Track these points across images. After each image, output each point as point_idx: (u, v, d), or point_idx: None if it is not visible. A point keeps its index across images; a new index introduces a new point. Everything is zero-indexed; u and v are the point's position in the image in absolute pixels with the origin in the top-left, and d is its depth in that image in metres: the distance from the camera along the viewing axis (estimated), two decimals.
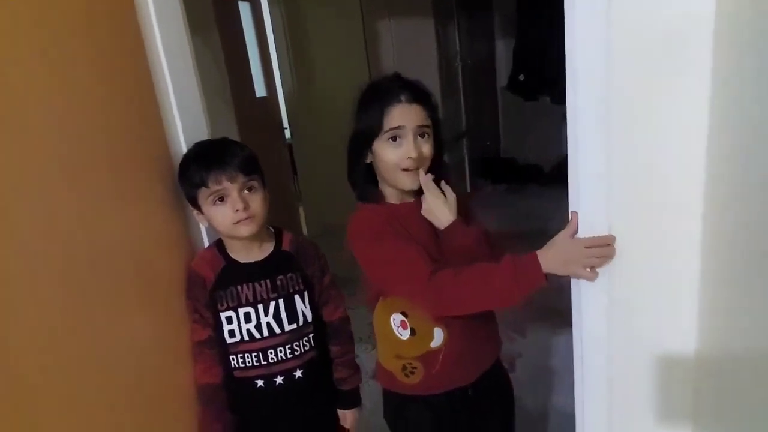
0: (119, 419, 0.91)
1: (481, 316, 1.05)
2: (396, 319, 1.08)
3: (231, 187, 1.03)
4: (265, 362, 1.12)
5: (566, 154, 0.85)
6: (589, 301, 0.90)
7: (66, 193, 0.85)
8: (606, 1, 0.72)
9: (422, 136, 1.02)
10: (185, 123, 1.15)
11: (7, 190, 0.73)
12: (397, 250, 1.00)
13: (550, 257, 0.88)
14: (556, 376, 2.01)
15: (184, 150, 1.13)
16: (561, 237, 0.88)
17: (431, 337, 1.05)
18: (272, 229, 1.18)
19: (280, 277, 1.12)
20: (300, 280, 1.14)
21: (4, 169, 0.73)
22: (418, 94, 1.03)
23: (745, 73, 0.65)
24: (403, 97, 1.01)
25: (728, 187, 0.72)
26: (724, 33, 0.68)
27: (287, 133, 3.83)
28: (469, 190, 4.49)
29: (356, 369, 1.25)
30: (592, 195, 0.82)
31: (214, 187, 1.03)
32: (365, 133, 1.03)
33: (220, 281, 1.10)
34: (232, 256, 1.12)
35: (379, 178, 1.08)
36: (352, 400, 1.24)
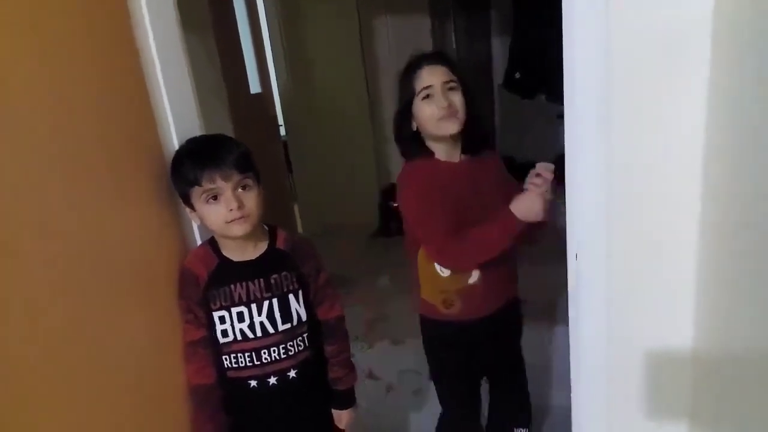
0: (118, 419, 0.91)
1: (505, 259, 1.26)
2: None
3: (225, 186, 1.02)
4: (259, 362, 1.10)
5: (563, 153, 0.85)
6: (585, 300, 0.89)
7: (61, 192, 0.84)
8: (604, 1, 0.72)
9: (450, 89, 1.19)
10: (177, 121, 1.14)
11: (3, 190, 0.72)
12: (424, 212, 1.21)
13: (516, 208, 1.17)
14: (555, 373, 2.01)
15: (177, 148, 1.12)
16: (522, 195, 1.18)
17: (470, 275, 1.27)
18: (266, 228, 1.16)
19: (274, 275, 1.11)
20: (294, 279, 1.13)
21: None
22: (440, 57, 1.23)
23: (744, 73, 0.64)
24: (424, 63, 1.20)
25: (726, 187, 0.71)
26: (722, 33, 0.68)
27: (282, 131, 3.82)
28: None
29: (351, 368, 1.24)
30: (589, 195, 0.82)
31: (207, 186, 1.01)
32: (405, 100, 1.23)
33: (213, 280, 1.08)
34: (226, 255, 1.11)
35: (426, 140, 1.25)
36: (347, 400, 1.24)
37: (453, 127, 1.19)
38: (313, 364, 1.17)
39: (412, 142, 1.26)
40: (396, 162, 4.12)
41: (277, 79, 3.78)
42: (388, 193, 3.86)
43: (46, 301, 0.78)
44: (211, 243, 1.13)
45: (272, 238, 1.15)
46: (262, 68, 3.46)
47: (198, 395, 1.10)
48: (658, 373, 0.89)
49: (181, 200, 1.10)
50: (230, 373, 1.12)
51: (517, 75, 4.55)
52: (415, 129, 1.24)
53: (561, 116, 0.85)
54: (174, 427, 1.09)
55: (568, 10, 0.76)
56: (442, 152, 1.25)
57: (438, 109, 1.17)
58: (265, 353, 1.10)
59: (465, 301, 1.29)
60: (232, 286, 1.09)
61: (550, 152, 4.56)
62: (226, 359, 1.11)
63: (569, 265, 0.91)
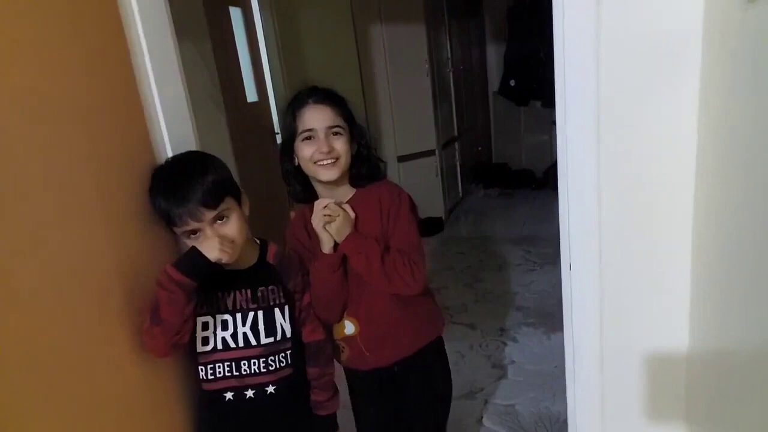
0: (105, 426, 0.90)
1: (391, 308, 1.18)
2: None
3: (201, 225, 0.99)
4: (237, 373, 1.07)
5: (557, 160, 0.86)
6: (579, 309, 0.90)
7: (49, 204, 0.83)
8: (595, 16, 0.72)
9: (334, 134, 1.13)
10: (171, 130, 1.13)
11: None
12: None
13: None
14: (550, 380, 2.00)
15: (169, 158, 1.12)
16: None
17: (343, 326, 1.22)
18: (258, 241, 1.15)
19: (261, 288, 1.10)
20: (281, 294, 1.11)
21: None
22: (326, 97, 1.15)
23: (735, 84, 0.65)
24: (310, 100, 1.13)
25: (718, 193, 0.72)
26: (712, 45, 0.69)
27: (279, 139, 3.82)
28: (461, 196, 4.49)
29: (335, 392, 1.21)
30: (582, 204, 0.82)
31: (183, 228, 0.99)
32: (287, 138, 1.18)
33: (202, 285, 1.05)
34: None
35: (311, 180, 1.19)
36: (329, 425, 1.20)
37: (331, 174, 1.13)
38: (294, 382, 1.14)
39: (296, 182, 1.21)
40: (392, 169, 4.09)
41: (273, 88, 3.79)
42: None
43: (31, 314, 0.78)
44: None
45: (263, 251, 1.13)
46: (258, 77, 3.47)
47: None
48: (653, 377, 0.89)
49: None
50: (206, 386, 1.08)
51: (512, 82, 4.58)
52: (296, 164, 1.18)
53: (555, 122, 0.85)
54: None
55: (558, 25, 0.77)
56: (323, 191, 1.19)
57: (317, 153, 1.11)
58: (245, 364, 1.08)
59: (350, 350, 1.24)
60: (220, 294, 1.07)
61: (545, 158, 4.58)
62: (202, 370, 1.07)
63: (563, 275, 0.91)
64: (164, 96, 1.12)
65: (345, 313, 1.21)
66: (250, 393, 1.08)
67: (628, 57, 0.74)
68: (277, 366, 1.10)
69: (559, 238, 0.90)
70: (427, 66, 3.78)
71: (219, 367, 1.08)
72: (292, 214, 1.28)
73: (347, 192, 1.20)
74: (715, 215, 0.73)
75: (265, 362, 1.09)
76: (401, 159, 3.79)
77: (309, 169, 1.15)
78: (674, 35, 0.71)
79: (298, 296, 1.14)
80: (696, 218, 0.77)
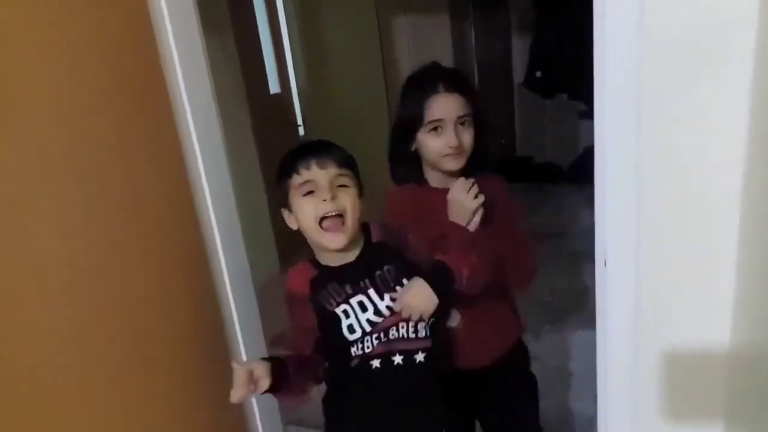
0: (131, 418, 0.90)
1: (487, 304, 1.11)
2: None
3: (321, 175, 0.94)
4: (386, 339, 0.99)
5: (583, 153, 0.82)
6: (613, 308, 0.87)
7: (76, 192, 0.84)
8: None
9: (462, 124, 1.06)
10: (197, 121, 1.13)
11: (17, 189, 0.72)
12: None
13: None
14: (574, 378, 1.96)
15: (197, 148, 1.11)
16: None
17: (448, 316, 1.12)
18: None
19: (378, 272, 1.01)
20: (402, 269, 1.02)
21: (13, 168, 0.71)
22: (456, 83, 1.06)
23: None
24: (441, 87, 1.05)
25: (767, 186, 0.68)
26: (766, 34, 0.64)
27: (301, 131, 3.82)
28: None
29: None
30: (619, 198, 0.79)
31: (303, 178, 0.94)
32: (408, 124, 1.09)
33: (317, 284, 1.01)
34: (324, 264, 1.02)
35: (423, 163, 1.13)
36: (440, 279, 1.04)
37: (456, 165, 1.08)
38: (435, 355, 1.05)
39: (405, 164, 1.14)
40: None
41: (296, 79, 3.79)
42: None
43: (57, 300, 0.78)
44: (309, 258, 1.05)
45: (366, 234, 1.05)
46: (281, 68, 3.47)
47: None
48: (691, 378, 0.86)
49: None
50: (354, 362, 1.00)
51: (538, 74, 4.49)
52: (413, 150, 1.11)
53: (581, 115, 0.82)
54: (186, 427, 1.08)
55: (598, 12, 0.73)
56: (436, 180, 1.14)
57: (446, 147, 1.05)
58: (393, 330, 0.99)
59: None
60: (339, 286, 1.00)
61: (570, 151, 4.48)
62: (354, 351, 1.00)
63: (597, 273, 0.88)
64: (191, 88, 1.12)
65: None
66: (398, 359, 1.00)
67: (672, 44, 0.70)
68: (426, 334, 1.02)
69: (586, 234, 0.87)
70: (451, 57, 3.73)
71: (368, 342, 0.99)
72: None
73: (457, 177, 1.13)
74: (764, 211, 0.69)
75: (414, 327, 1.01)
76: None
77: (432, 158, 1.09)
78: (725, 19, 0.67)
79: (424, 259, 1.03)
80: (743, 214, 0.73)
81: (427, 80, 1.07)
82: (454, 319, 1.13)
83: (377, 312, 0.99)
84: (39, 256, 0.76)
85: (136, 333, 0.97)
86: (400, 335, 1.00)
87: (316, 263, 1.03)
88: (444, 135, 1.05)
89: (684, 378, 0.86)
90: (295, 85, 3.75)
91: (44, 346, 0.76)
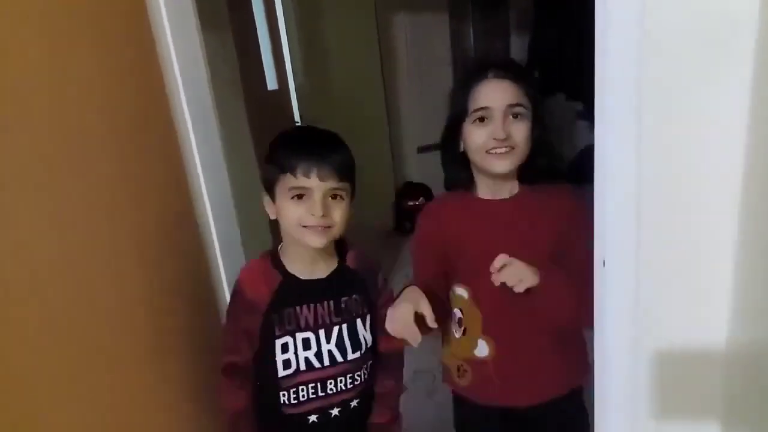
0: (121, 417, 0.90)
1: (540, 334, 0.97)
2: (456, 313, 1.03)
3: (317, 186, 0.90)
4: (323, 393, 0.98)
5: (582, 152, 0.82)
6: (612, 309, 0.86)
7: (72, 189, 0.83)
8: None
9: (515, 116, 0.90)
10: (194, 117, 1.13)
11: (12, 186, 0.71)
12: (415, 262, 1.05)
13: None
14: None
15: (194, 144, 1.11)
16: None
17: (475, 345, 1.00)
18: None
19: (344, 298, 0.99)
20: (365, 303, 1.01)
21: (9, 165, 0.71)
22: (508, 69, 0.92)
23: None
24: (490, 74, 0.92)
25: (765, 187, 0.68)
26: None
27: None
28: None
29: (398, 416, 1.08)
30: (618, 198, 0.79)
31: (299, 183, 0.90)
32: (453, 118, 0.96)
33: (276, 301, 0.95)
34: (291, 271, 0.98)
35: (473, 169, 0.98)
36: None
37: (504, 166, 0.91)
38: (370, 392, 1.05)
39: (457, 169, 0.99)
40: (412, 161, 4.08)
41: (293, 76, 3.77)
42: (404, 192, 3.84)
43: (50, 295, 0.77)
44: (272, 255, 0.99)
45: (341, 254, 1.02)
46: (279, 65, 3.46)
47: (233, 419, 0.99)
48: (689, 378, 0.85)
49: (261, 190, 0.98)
50: (287, 410, 0.98)
51: (536, 73, 4.49)
52: (462, 150, 0.97)
53: (580, 115, 0.81)
54: (183, 427, 1.07)
55: (600, 8, 0.73)
56: (485, 187, 0.98)
57: (490, 140, 0.90)
58: (331, 384, 0.98)
59: (476, 375, 1.03)
60: (299, 309, 0.96)
61: (569, 151, 4.51)
62: (284, 395, 0.97)
63: (596, 273, 0.87)
64: (187, 83, 1.12)
65: (480, 329, 0.99)
66: (335, 411, 0.99)
67: (673, 44, 0.70)
68: (362, 379, 1.01)
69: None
70: (449, 55, 3.73)
71: (303, 390, 0.98)
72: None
73: (512, 188, 0.99)
74: (764, 211, 0.69)
75: (352, 378, 1.00)
76: (422, 150, 3.75)
77: (477, 157, 0.93)
78: (726, 19, 0.67)
79: (379, 304, 1.02)
80: (742, 214, 0.73)
81: (475, 69, 0.94)
82: (481, 347, 1.02)
83: (318, 355, 0.97)
84: (31, 251, 0.75)
85: (134, 331, 0.96)
86: (338, 389, 0.99)
87: (279, 265, 0.97)
88: (489, 125, 0.90)
89: (682, 378, 0.86)
90: (292, 82, 3.74)
91: (37, 343, 0.75)
